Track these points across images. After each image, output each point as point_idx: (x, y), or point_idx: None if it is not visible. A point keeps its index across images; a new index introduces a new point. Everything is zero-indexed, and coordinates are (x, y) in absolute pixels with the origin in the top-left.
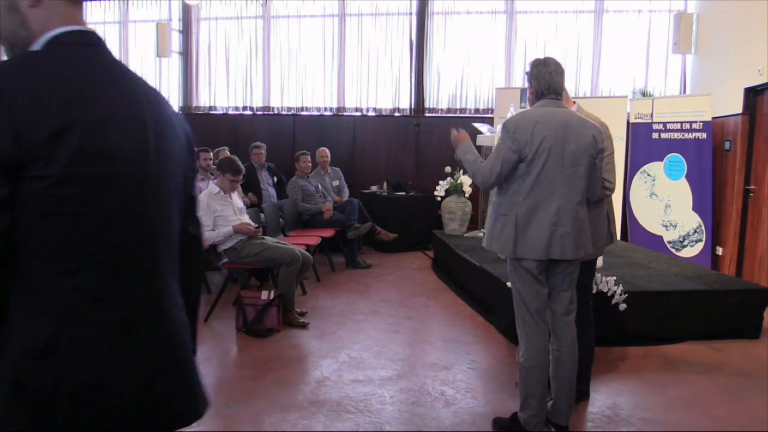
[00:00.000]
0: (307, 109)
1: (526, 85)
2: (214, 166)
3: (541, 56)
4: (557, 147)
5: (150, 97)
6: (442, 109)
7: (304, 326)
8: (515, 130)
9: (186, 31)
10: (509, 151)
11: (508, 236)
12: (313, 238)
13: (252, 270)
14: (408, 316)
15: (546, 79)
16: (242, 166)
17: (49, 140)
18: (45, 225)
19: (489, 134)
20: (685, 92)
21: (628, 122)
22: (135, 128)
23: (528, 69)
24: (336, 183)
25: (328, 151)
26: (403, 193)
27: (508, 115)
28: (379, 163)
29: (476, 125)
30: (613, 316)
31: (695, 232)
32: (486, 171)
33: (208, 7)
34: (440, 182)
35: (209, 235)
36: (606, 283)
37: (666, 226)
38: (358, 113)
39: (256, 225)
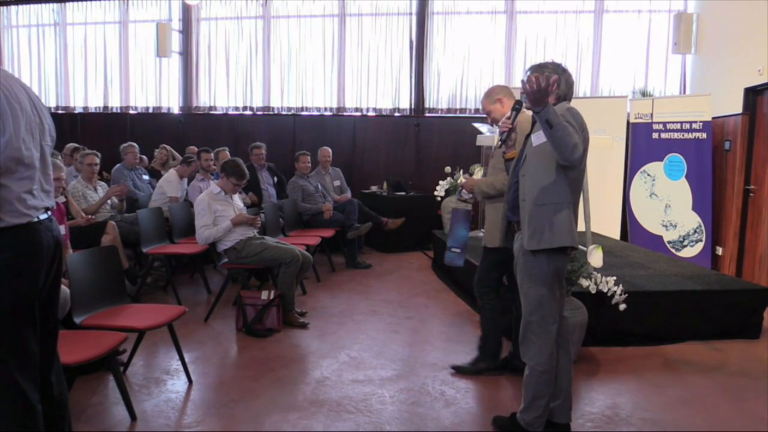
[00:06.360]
0: (307, 109)
1: (553, 83)
2: (215, 167)
3: (545, 59)
4: None
5: None
6: (442, 109)
7: (304, 326)
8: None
9: (186, 31)
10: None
11: (568, 224)
12: (313, 238)
13: (252, 270)
14: (408, 316)
15: (570, 85)
16: (247, 172)
17: None
18: None
19: (489, 134)
20: (685, 92)
21: (628, 122)
22: None
23: (560, 70)
24: (337, 183)
25: (330, 151)
26: (403, 193)
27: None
28: (379, 163)
29: (476, 125)
30: (613, 316)
31: (695, 232)
32: (580, 141)
33: (208, 7)
34: (440, 182)
35: (210, 233)
36: (606, 283)
37: (666, 226)
38: (358, 113)
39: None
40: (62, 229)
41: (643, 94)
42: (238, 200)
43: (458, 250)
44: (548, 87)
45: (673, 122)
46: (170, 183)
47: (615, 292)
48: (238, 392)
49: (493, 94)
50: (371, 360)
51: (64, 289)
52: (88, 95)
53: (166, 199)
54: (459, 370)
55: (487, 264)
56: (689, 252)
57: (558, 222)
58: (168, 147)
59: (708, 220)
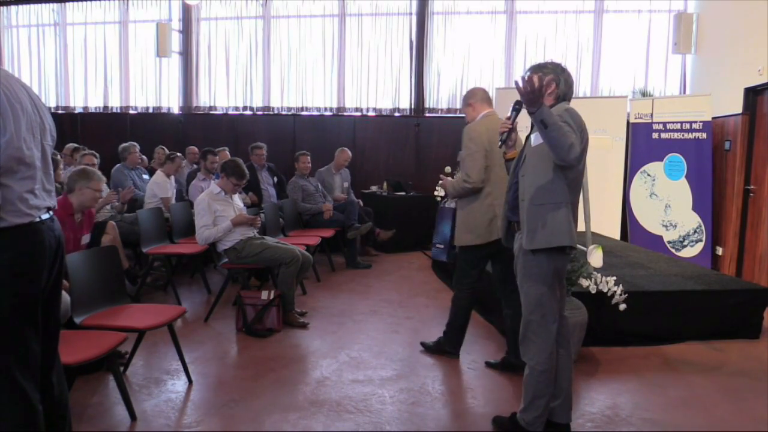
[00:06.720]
0: (307, 109)
1: (550, 84)
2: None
3: (545, 59)
4: None
5: None
6: (442, 109)
7: (304, 326)
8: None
9: (186, 31)
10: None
11: (566, 224)
12: (313, 238)
13: (252, 270)
14: (408, 316)
15: (570, 85)
16: (247, 172)
17: None
18: None
19: None
20: (685, 92)
21: (628, 122)
22: None
23: (559, 70)
24: (346, 184)
25: (350, 155)
26: (403, 193)
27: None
28: (379, 163)
29: None
30: (613, 316)
31: (695, 232)
32: (577, 141)
33: (208, 7)
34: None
35: (210, 233)
36: (606, 283)
37: (666, 226)
38: (358, 113)
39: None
40: (87, 237)
41: (643, 94)
42: (238, 200)
43: (441, 246)
44: (542, 88)
45: (673, 122)
46: (159, 184)
47: (615, 292)
48: (238, 392)
49: (467, 98)
50: (371, 360)
51: (65, 296)
52: (88, 95)
53: (158, 201)
54: (424, 346)
55: (462, 263)
56: (689, 252)
57: (556, 221)
58: (165, 149)
59: (708, 220)
